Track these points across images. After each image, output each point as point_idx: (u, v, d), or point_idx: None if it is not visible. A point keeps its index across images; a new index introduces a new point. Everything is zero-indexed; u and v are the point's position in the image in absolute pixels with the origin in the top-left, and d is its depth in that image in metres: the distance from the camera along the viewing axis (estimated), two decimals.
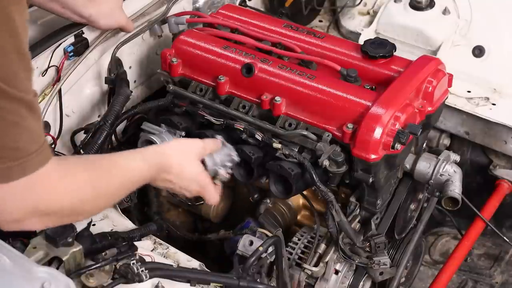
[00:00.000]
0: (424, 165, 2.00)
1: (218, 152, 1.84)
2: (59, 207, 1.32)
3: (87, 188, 1.37)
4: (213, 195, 1.80)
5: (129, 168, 1.54)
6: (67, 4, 1.94)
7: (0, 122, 1.16)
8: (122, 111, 2.01)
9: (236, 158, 1.86)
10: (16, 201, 1.24)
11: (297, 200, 2.18)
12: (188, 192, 1.76)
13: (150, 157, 1.62)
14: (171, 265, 1.57)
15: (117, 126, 2.03)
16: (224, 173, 1.84)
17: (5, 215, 1.26)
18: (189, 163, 1.72)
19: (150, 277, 1.42)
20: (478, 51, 2.50)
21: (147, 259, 1.55)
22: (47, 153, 1.26)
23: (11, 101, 1.16)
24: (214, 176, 1.83)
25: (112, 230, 1.77)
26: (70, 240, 1.47)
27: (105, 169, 1.46)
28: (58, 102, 1.99)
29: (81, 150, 1.89)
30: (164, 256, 1.74)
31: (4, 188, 1.21)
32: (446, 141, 2.54)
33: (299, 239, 1.98)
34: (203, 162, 1.79)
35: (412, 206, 2.17)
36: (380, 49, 1.97)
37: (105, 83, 2.13)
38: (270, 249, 1.76)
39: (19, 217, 1.27)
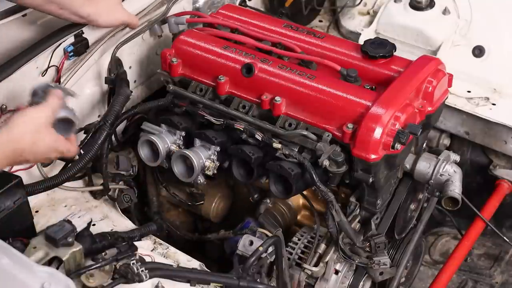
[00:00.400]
0: (424, 165, 2.00)
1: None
2: None
3: None
4: (72, 151, 1.69)
5: None
6: (64, 5, 1.94)
7: None
8: (122, 111, 2.01)
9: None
10: None
11: (297, 200, 2.18)
12: (49, 159, 1.68)
13: (1, 147, 1.53)
14: (171, 265, 1.57)
15: (117, 126, 2.03)
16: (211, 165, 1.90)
17: None
18: (42, 137, 1.60)
19: (150, 277, 1.42)
20: (478, 51, 2.50)
21: (147, 259, 1.55)
22: None
23: None
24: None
25: (112, 230, 1.77)
26: (70, 240, 1.47)
27: None
28: None
29: (81, 150, 1.89)
30: (164, 256, 1.74)
31: None
32: (446, 141, 2.54)
33: (299, 239, 1.98)
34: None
35: (412, 206, 2.17)
36: (380, 49, 1.97)
37: (105, 83, 2.13)
38: (270, 249, 1.76)
39: None
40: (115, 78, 2.09)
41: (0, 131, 1.55)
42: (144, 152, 1.99)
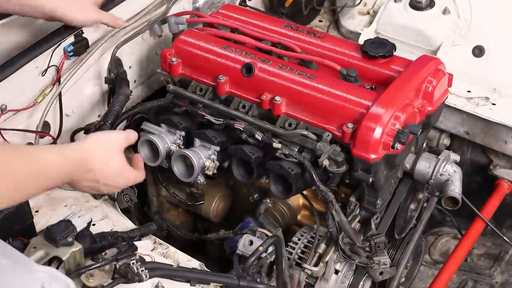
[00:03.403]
0: (424, 165, 2.00)
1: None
2: None
3: None
4: (140, 178, 1.73)
5: (43, 158, 1.43)
6: (24, 1, 1.84)
7: None
8: (122, 111, 2.01)
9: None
10: None
11: (297, 200, 2.18)
12: (116, 188, 1.69)
13: (69, 151, 1.53)
14: (171, 265, 1.57)
15: (117, 126, 2.03)
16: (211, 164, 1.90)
17: None
18: (112, 159, 1.63)
19: (150, 277, 1.42)
20: (478, 51, 2.50)
21: (147, 259, 1.55)
22: None
23: None
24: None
25: (112, 230, 1.77)
26: (70, 240, 1.47)
27: (11, 151, 1.38)
28: (58, 102, 1.99)
29: None
30: (164, 256, 1.74)
31: None
32: (446, 141, 2.54)
33: (299, 239, 1.98)
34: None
35: (412, 206, 2.17)
36: (380, 49, 1.97)
37: (105, 83, 2.13)
38: (270, 249, 1.76)
39: None
40: (115, 78, 2.09)
41: (74, 143, 1.56)
42: (144, 152, 1.98)
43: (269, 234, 1.88)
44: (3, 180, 1.31)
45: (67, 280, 1.29)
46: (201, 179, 1.96)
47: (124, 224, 1.85)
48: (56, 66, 1.98)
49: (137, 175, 1.71)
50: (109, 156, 1.62)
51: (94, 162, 1.56)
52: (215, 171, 1.95)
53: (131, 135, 1.73)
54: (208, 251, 2.26)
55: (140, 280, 1.41)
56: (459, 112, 2.41)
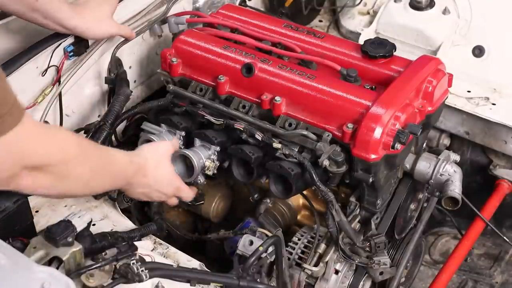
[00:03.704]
0: (424, 165, 2.00)
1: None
2: (45, 160, 1.35)
3: (72, 145, 1.41)
4: (188, 192, 1.88)
5: (113, 154, 1.58)
6: (49, 15, 1.86)
7: None
8: (122, 111, 2.00)
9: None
10: (3, 159, 1.27)
11: (297, 200, 2.18)
12: (164, 195, 1.81)
13: (132, 155, 1.69)
14: (171, 265, 1.57)
15: (117, 126, 2.03)
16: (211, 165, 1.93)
17: None
18: (163, 165, 1.78)
19: (150, 277, 1.42)
20: (478, 51, 2.50)
21: (147, 259, 1.55)
22: (19, 112, 1.27)
23: None
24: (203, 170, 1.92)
25: (112, 230, 1.77)
26: (70, 240, 1.47)
27: (92, 142, 1.55)
28: (58, 102, 1.99)
29: None
30: (164, 256, 1.74)
31: None
32: (446, 141, 2.54)
33: (299, 239, 1.98)
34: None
35: (412, 206, 2.17)
36: (380, 49, 1.97)
37: (105, 83, 2.13)
38: (270, 249, 1.76)
39: (9, 173, 1.30)
40: (115, 78, 2.09)
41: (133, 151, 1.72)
42: None
43: (269, 234, 1.88)
44: (87, 164, 1.46)
45: (67, 280, 1.29)
46: (201, 179, 1.96)
47: (124, 224, 1.85)
48: (56, 66, 1.98)
49: (185, 188, 1.86)
50: (161, 163, 1.77)
51: (149, 168, 1.71)
52: (215, 171, 1.95)
53: (175, 142, 1.90)
54: (208, 251, 2.26)
55: (140, 280, 1.41)
56: (459, 112, 2.41)
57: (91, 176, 1.50)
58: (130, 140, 2.16)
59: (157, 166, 1.74)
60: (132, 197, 1.81)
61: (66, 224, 1.49)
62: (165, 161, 1.79)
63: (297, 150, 1.86)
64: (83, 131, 2.01)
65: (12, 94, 1.27)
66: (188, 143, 2.00)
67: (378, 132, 1.73)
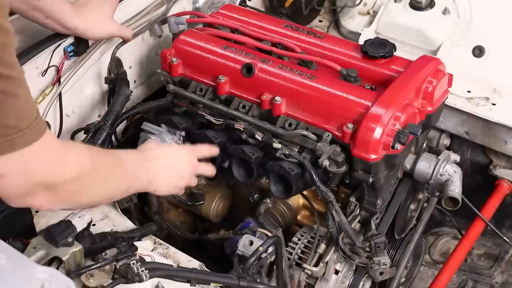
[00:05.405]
0: (424, 165, 1.99)
1: None
2: (61, 179, 1.33)
3: (87, 161, 1.40)
4: (206, 166, 1.83)
5: (123, 156, 1.58)
6: (50, 14, 1.86)
7: None
8: (122, 111, 2.00)
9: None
10: (18, 175, 1.26)
11: (297, 200, 2.18)
12: (188, 175, 1.77)
13: (135, 150, 1.71)
14: (171, 265, 1.57)
15: (117, 126, 2.03)
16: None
17: (11, 189, 1.28)
18: (174, 149, 1.82)
19: (150, 277, 1.42)
20: (478, 51, 2.51)
21: (147, 259, 1.55)
22: (41, 128, 1.26)
23: (0, 80, 1.16)
24: None
25: (112, 230, 1.77)
26: (70, 240, 1.47)
27: (102, 150, 1.55)
28: (58, 102, 1.99)
29: None
30: (164, 256, 1.74)
31: (2, 164, 1.23)
32: (446, 141, 2.54)
33: (299, 239, 1.98)
34: None
35: (412, 206, 2.17)
36: (380, 49, 1.97)
37: (105, 83, 2.13)
38: (270, 249, 1.76)
39: (23, 190, 1.29)
40: (115, 78, 2.09)
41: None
42: None
43: (269, 234, 1.88)
44: (102, 176, 1.46)
45: (67, 281, 1.29)
46: (201, 179, 1.96)
47: (124, 224, 1.85)
48: (56, 66, 1.98)
49: (202, 164, 1.81)
50: (169, 150, 1.79)
51: (158, 151, 1.71)
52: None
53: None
54: (208, 251, 2.26)
55: (140, 280, 1.41)
56: (459, 112, 2.41)
57: (107, 185, 1.49)
58: (130, 140, 2.16)
59: (166, 153, 1.74)
60: (162, 190, 1.74)
61: (66, 224, 1.49)
62: (174, 147, 1.85)
63: (297, 150, 1.86)
64: (83, 131, 2.01)
65: (35, 108, 1.26)
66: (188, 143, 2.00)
67: (378, 132, 1.73)
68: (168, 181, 1.71)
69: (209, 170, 1.84)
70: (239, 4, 2.58)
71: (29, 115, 1.24)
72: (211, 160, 1.92)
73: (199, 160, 1.82)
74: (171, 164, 1.72)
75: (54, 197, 1.35)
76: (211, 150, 1.87)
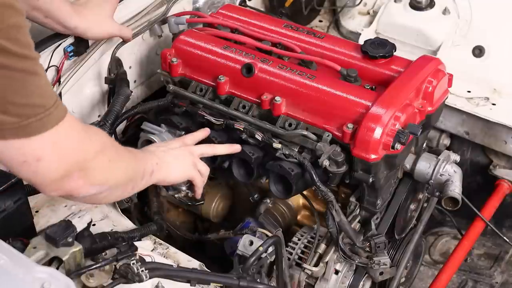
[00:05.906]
0: (424, 165, 1.99)
1: None
2: (91, 155, 1.33)
3: (106, 136, 1.45)
4: (205, 169, 1.84)
5: (133, 150, 1.60)
6: (50, 14, 1.86)
7: (11, 81, 1.14)
8: (122, 111, 2.01)
9: None
10: (53, 156, 1.25)
11: (297, 200, 2.18)
12: (190, 156, 1.78)
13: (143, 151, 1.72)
14: (171, 265, 1.57)
15: (117, 126, 2.03)
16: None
17: (48, 174, 1.27)
18: (173, 141, 1.83)
19: (150, 277, 1.42)
20: (478, 51, 2.50)
21: (147, 259, 1.55)
22: (64, 107, 1.26)
23: (18, 60, 1.15)
24: None
25: (112, 230, 1.77)
26: (70, 240, 1.47)
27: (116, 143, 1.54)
28: None
29: None
30: (164, 256, 1.74)
31: (33, 145, 1.21)
32: (446, 141, 2.54)
33: (299, 239, 1.98)
34: None
35: (412, 206, 2.17)
36: (380, 49, 1.97)
37: (105, 83, 2.13)
38: (270, 249, 1.76)
39: (61, 174, 1.28)
40: (115, 78, 2.09)
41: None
42: None
43: (269, 234, 1.88)
44: (137, 159, 1.53)
45: (67, 281, 1.29)
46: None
47: (124, 224, 1.85)
48: (56, 66, 1.98)
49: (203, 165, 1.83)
50: (169, 143, 1.82)
51: (158, 147, 1.76)
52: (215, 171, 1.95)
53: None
54: (208, 251, 2.26)
55: (140, 280, 1.41)
56: (459, 112, 2.41)
57: (128, 162, 1.51)
58: (130, 140, 2.16)
59: (166, 143, 1.80)
60: (175, 177, 1.75)
61: (66, 224, 1.49)
62: (173, 140, 1.87)
63: (297, 150, 1.86)
64: None
65: (53, 90, 1.26)
66: None
67: (378, 132, 1.73)
68: (177, 163, 1.73)
69: (205, 168, 1.86)
70: (239, 4, 2.58)
71: (52, 94, 1.23)
72: (211, 160, 1.93)
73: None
74: (175, 153, 1.76)
75: (88, 178, 1.34)
76: (205, 132, 1.92)
